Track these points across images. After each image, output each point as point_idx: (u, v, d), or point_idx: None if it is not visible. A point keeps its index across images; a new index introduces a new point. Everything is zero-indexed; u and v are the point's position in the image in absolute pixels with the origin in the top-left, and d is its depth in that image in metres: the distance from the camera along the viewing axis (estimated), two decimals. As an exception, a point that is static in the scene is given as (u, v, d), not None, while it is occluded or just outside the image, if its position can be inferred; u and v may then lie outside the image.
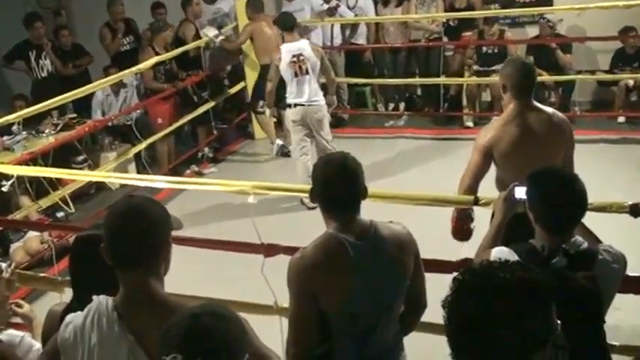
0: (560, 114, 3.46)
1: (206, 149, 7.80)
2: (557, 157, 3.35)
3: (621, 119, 7.70)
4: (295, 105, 6.18)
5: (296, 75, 6.11)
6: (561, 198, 2.25)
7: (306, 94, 6.14)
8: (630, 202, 2.86)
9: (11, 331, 2.68)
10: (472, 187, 3.35)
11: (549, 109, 3.45)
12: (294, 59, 6.10)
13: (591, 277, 2.09)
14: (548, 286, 1.45)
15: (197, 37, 7.72)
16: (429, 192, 3.60)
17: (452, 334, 1.44)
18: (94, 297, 1.88)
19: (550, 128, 3.34)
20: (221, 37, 7.57)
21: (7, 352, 2.33)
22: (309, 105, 6.17)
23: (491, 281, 1.42)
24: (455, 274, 2.97)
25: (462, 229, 3.53)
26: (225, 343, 1.47)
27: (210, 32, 7.57)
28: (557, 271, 2.11)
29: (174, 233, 1.96)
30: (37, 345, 2.58)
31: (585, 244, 2.26)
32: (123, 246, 1.83)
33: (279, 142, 7.20)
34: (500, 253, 2.31)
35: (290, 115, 6.28)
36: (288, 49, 6.14)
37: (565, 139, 3.40)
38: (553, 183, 2.32)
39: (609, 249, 2.30)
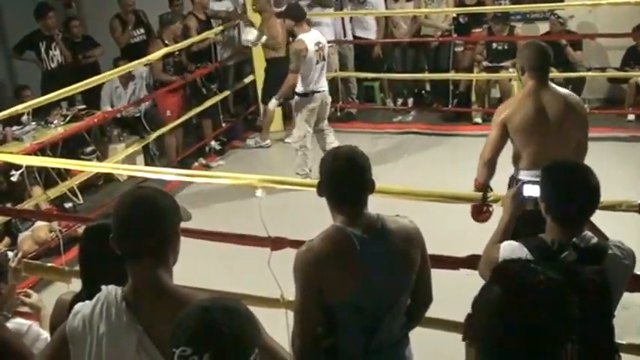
0: (575, 96, 3.68)
1: (213, 142, 7.81)
2: (569, 138, 3.55)
3: (631, 117, 7.66)
4: (314, 92, 6.30)
5: (317, 63, 6.24)
6: (574, 190, 2.25)
7: (323, 81, 6.39)
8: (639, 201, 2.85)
9: (19, 320, 2.69)
10: (491, 160, 3.69)
11: (565, 90, 3.70)
12: (317, 48, 6.24)
13: (600, 272, 2.09)
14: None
15: (204, 29, 7.72)
16: (436, 188, 3.61)
17: (494, 341, 1.42)
18: (103, 287, 1.89)
19: (564, 108, 3.55)
20: (262, 40, 7.36)
21: (13, 340, 2.34)
22: (324, 91, 6.40)
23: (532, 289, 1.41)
24: (462, 270, 2.98)
25: (482, 210, 3.64)
26: (234, 338, 1.47)
27: (250, 35, 7.41)
28: (567, 265, 2.10)
29: (182, 225, 1.96)
30: (45, 334, 2.59)
31: (595, 239, 2.26)
32: (132, 236, 1.84)
33: (258, 140, 7.79)
34: (510, 247, 2.32)
35: (309, 103, 6.33)
36: (311, 39, 6.24)
37: (579, 120, 3.61)
38: (567, 174, 2.33)
39: (620, 245, 2.30)
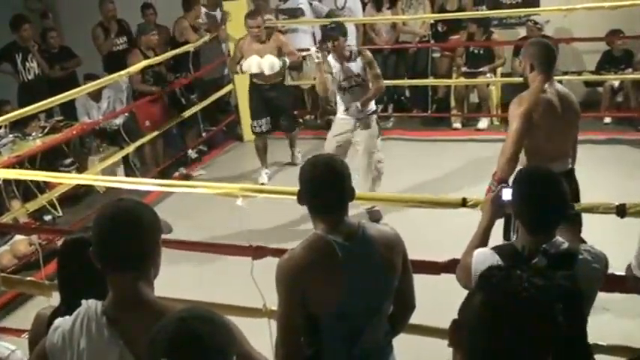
0: (572, 93, 3.87)
1: (190, 151, 7.79)
2: (572, 133, 3.85)
3: (607, 120, 7.76)
4: None
5: None
6: (541, 197, 2.27)
7: None
8: (617, 203, 2.88)
9: (3, 343, 2.64)
10: (517, 154, 3.65)
11: (565, 88, 3.91)
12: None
13: (570, 277, 2.10)
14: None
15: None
16: (416, 194, 3.63)
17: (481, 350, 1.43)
18: (83, 301, 1.87)
19: (568, 104, 3.78)
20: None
21: None
22: None
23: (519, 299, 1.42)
24: (443, 275, 2.98)
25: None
26: (213, 347, 1.47)
27: (314, 53, 6.13)
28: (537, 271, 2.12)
29: (162, 237, 1.95)
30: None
31: (566, 244, 2.27)
32: (112, 249, 1.83)
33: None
34: (483, 254, 2.34)
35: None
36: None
37: (577, 117, 3.88)
38: (536, 181, 2.35)
39: (590, 249, 2.31)
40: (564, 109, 3.73)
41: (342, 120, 5.80)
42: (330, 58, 5.74)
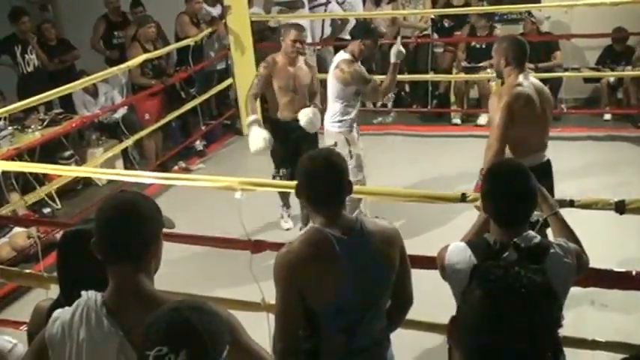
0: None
1: (197, 142, 7.79)
2: (548, 122, 3.90)
3: (607, 117, 7.76)
4: None
5: None
6: (508, 191, 2.29)
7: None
8: (616, 199, 2.88)
9: (6, 337, 2.64)
10: (503, 147, 3.68)
11: (538, 81, 3.99)
12: None
13: (539, 271, 2.11)
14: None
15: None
16: (416, 189, 3.63)
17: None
18: (83, 292, 1.87)
19: (547, 95, 3.91)
20: None
21: (3, 359, 2.31)
22: None
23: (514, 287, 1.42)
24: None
25: None
26: (208, 335, 1.50)
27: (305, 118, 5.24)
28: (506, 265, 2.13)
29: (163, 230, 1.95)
30: None
31: (537, 239, 2.29)
32: (113, 240, 1.83)
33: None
34: (456, 248, 2.37)
35: None
36: None
37: (551, 109, 3.97)
38: (503, 175, 2.36)
39: (562, 243, 2.34)
40: (542, 101, 3.81)
41: (355, 129, 5.21)
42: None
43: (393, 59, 5.10)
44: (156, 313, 1.54)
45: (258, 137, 5.09)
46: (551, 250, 2.27)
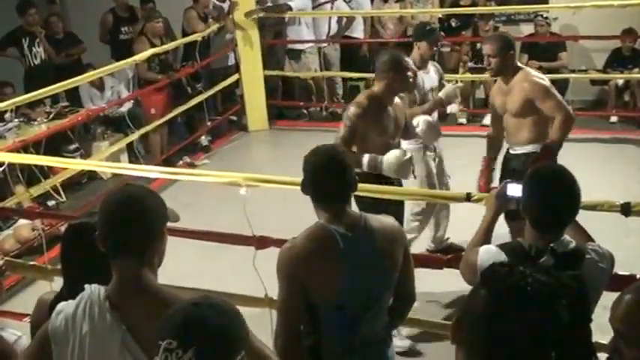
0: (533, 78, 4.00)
1: (202, 137, 7.79)
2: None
3: (614, 119, 7.73)
4: None
5: None
6: (552, 195, 2.23)
7: None
8: (622, 201, 2.87)
9: (11, 330, 2.65)
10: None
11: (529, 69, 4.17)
12: None
13: (577, 277, 2.09)
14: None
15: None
16: (420, 188, 3.62)
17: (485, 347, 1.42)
18: (86, 286, 1.87)
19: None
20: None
21: (9, 351, 2.31)
22: None
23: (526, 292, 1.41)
24: (446, 269, 2.98)
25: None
26: (222, 337, 1.47)
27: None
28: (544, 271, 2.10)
29: (167, 224, 1.95)
30: None
31: (573, 244, 2.24)
32: (116, 233, 1.83)
33: None
34: (488, 251, 2.31)
35: None
36: None
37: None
38: (547, 179, 2.30)
39: (597, 248, 2.29)
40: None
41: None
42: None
43: (442, 95, 4.54)
44: (178, 304, 1.52)
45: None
46: (588, 256, 2.22)
